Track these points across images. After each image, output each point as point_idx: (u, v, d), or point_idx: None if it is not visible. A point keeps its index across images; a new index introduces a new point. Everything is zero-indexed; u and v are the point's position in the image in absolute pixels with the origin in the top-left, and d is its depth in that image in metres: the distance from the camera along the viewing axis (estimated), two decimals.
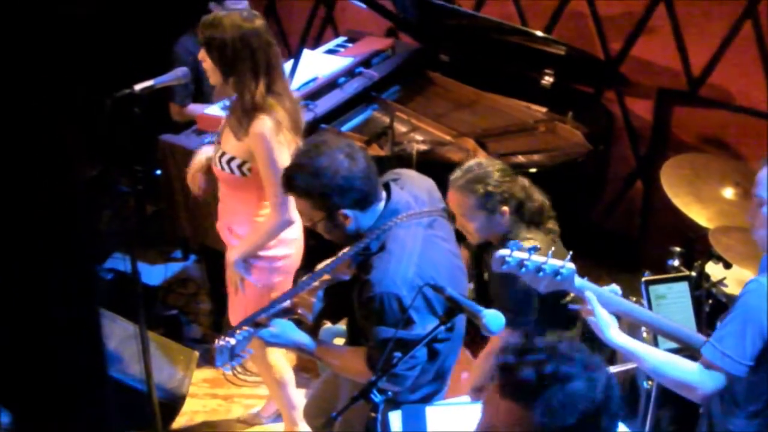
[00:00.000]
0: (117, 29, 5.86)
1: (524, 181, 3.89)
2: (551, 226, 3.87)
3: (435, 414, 3.17)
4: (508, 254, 3.08)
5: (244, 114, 3.89)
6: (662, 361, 3.08)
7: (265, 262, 4.11)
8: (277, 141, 3.85)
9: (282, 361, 4.46)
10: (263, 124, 3.84)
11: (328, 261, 3.41)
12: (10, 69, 1.31)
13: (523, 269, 3.08)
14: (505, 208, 3.78)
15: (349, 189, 3.07)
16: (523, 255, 3.08)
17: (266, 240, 4.02)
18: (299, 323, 3.40)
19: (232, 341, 3.21)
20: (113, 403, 1.55)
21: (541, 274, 3.06)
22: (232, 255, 4.08)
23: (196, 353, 4.87)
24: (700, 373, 3.03)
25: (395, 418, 3.13)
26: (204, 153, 4.27)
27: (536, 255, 3.08)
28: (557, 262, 3.06)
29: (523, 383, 2.03)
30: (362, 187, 3.10)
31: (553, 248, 3.27)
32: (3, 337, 1.44)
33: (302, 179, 3.09)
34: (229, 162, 3.96)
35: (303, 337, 3.36)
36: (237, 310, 4.19)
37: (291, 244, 4.11)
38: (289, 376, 4.49)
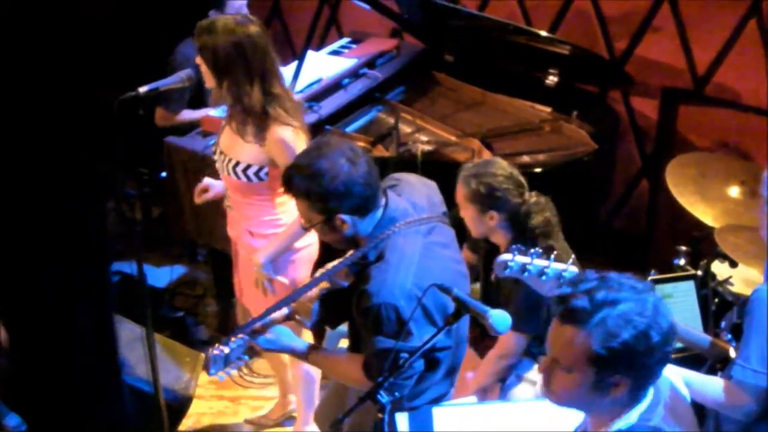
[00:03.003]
0: (119, 34, 5.88)
1: (534, 198, 3.90)
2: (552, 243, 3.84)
3: (442, 415, 3.17)
4: (510, 259, 3.08)
5: (247, 118, 3.91)
6: (700, 382, 3.10)
7: (289, 254, 4.12)
8: (298, 142, 3.89)
9: None
10: (282, 130, 3.88)
11: (325, 268, 3.40)
12: (28, 76, 1.31)
13: (526, 273, 3.09)
14: (493, 214, 3.81)
15: (347, 194, 3.04)
16: (526, 259, 3.08)
17: (293, 239, 4.02)
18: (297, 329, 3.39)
19: (226, 350, 3.19)
20: (128, 406, 1.56)
21: (544, 277, 3.07)
22: (259, 256, 4.05)
23: (203, 355, 4.86)
24: (734, 393, 3.06)
25: (402, 419, 3.13)
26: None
27: (538, 259, 3.08)
28: (560, 266, 3.07)
29: (578, 309, 2.29)
30: (362, 193, 3.05)
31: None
32: (21, 341, 1.44)
33: (301, 180, 3.07)
34: (245, 170, 3.97)
35: (299, 344, 3.35)
36: (259, 305, 4.11)
37: (311, 234, 4.10)
38: (316, 372, 4.48)
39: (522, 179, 3.92)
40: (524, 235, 3.83)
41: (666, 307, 2.33)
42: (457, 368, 3.42)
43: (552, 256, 3.11)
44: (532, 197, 3.90)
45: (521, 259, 3.08)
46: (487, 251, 4.08)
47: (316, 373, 4.49)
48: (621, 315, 2.26)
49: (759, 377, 3.02)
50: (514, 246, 3.13)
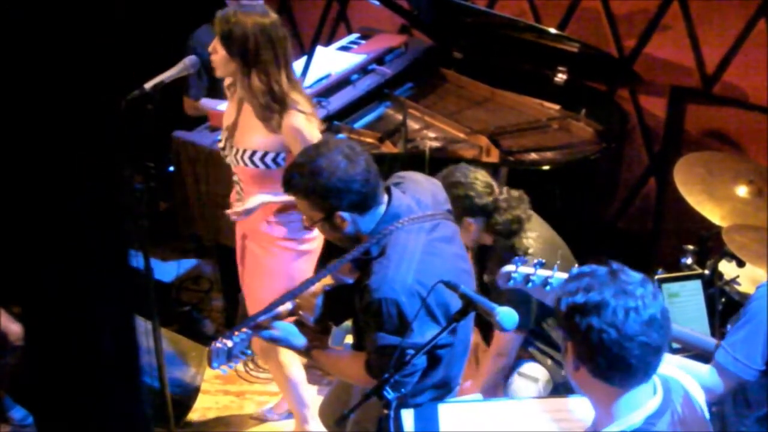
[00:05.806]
0: (135, 26, 5.86)
1: (505, 194, 3.92)
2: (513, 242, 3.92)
3: (447, 412, 3.17)
4: (514, 270, 3.08)
5: (274, 106, 3.92)
6: (675, 365, 3.10)
7: (295, 244, 4.15)
8: (311, 129, 3.94)
9: (293, 359, 4.45)
10: (296, 118, 3.91)
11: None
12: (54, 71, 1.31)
13: (530, 284, 3.08)
14: (469, 221, 3.85)
15: (345, 191, 3.06)
16: (529, 270, 3.08)
17: None
18: (300, 324, 3.39)
19: (229, 343, 3.17)
20: (146, 399, 1.55)
21: (548, 288, 3.06)
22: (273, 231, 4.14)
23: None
24: (711, 375, 3.06)
25: (407, 416, 3.13)
26: None
27: (542, 269, 3.07)
28: (564, 275, 3.06)
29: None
30: (360, 190, 3.07)
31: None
32: (41, 334, 1.44)
33: (300, 179, 3.10)
34: (263, 158, 3.99)
35: (301, 340, 3.33)
36: (263, 301, 4.10)
37: None
38: (299, 375, 4.49)
39: (489, 179, 3.92)
40: (500, 231, 3.88)
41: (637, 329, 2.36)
42: (456, 375, 3.41)
43: (556, 266, 3.10)
44: (502, 193, 3.91)
45: (525, 269, 3.08)
46: (476, 250, 4.09)
47: (299, 375, 4.50)
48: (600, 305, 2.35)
49: (739, 367, 3.07)
50: (517, 257, 3.13)
